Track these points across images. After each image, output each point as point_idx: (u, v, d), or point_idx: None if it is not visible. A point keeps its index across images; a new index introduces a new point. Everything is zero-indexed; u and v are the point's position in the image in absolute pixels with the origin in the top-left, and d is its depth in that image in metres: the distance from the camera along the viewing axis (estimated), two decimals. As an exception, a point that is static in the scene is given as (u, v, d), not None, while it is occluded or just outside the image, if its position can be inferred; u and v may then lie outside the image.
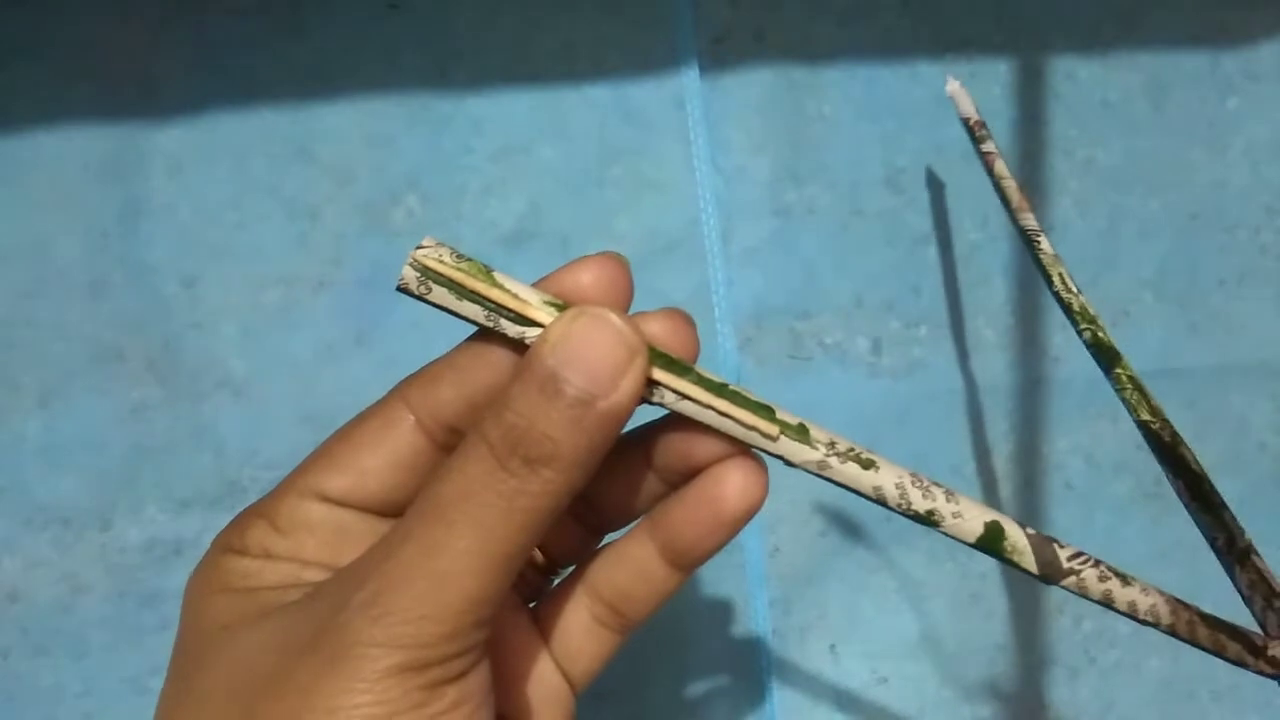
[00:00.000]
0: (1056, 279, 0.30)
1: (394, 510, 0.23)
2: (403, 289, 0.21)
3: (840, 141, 0.39)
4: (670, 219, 0.38)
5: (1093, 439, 0.40)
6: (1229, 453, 0.40)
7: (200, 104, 0.36)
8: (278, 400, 0.36)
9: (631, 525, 0.25)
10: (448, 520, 0.20)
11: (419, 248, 0.21)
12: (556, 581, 0.26)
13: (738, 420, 0.22)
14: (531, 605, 0.26)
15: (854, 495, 0.22)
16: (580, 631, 0.24)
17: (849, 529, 0.38)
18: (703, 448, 0.23)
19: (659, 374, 0.21)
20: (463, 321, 0.22)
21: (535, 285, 0.23)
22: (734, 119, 0.38)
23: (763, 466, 0.23)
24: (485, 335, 0.22)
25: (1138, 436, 0.40)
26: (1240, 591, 0.23)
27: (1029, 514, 0.39)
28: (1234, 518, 0.25)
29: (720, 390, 0.22)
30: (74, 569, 0.36)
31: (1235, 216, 0.40)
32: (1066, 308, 0.30)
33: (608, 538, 0.26)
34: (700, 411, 0.22)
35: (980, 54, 0.39)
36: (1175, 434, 0.26)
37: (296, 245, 0.37)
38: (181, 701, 0.22)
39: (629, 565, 0.24)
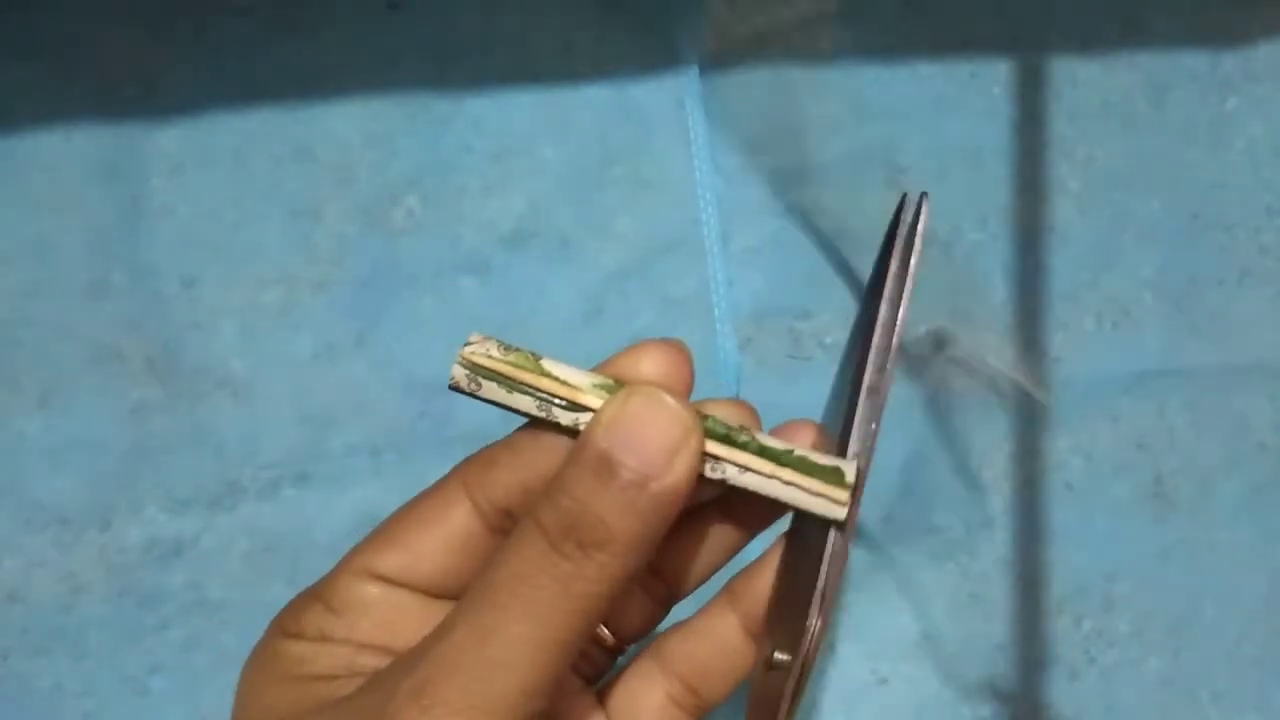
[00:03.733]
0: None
1: (449, 594, 0.23)
2: (454, 388, 0.22)
3: (840, 141, 0.39)
4: (670, 219, 0.38)
5: (1092, 439, 0.40)
6: (1229, 453, 0.40)
7: (200, 104, 0.36)
8: (277, 400, 0.36)
9: (699, 592, 0.24)
10: (500, 605, 0.19)
11: (467, 344, 0.22)
12: (623, 660, 0.25)
13: (804, 489, 0.21)
14: (597, 687, 0.25)
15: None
16: (652, 711, 0.24)
17: (849, 529, 0.38)
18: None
19: (718, 448, 0.21)
20: (517, 415, 0.22)
21: (595, 369, 0.22)
22: (734, 119, 0.38)
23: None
24: (540, 424, 0.22)
25: (1138, 437, 0.40)
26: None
27: (1029, 514, 0.39)
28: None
29: (784, 458, 0.21)
30: (74, 569, 0.36)
31: (1235, 216, 0.40)
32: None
33: (676, 610, 0.25)
34: (765, 483, 0.21)
35: (980, 54, 0.39)
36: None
37: (296, 245, 0.37)
38: None
39: (708, 639, 0.24)
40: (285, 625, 0.22)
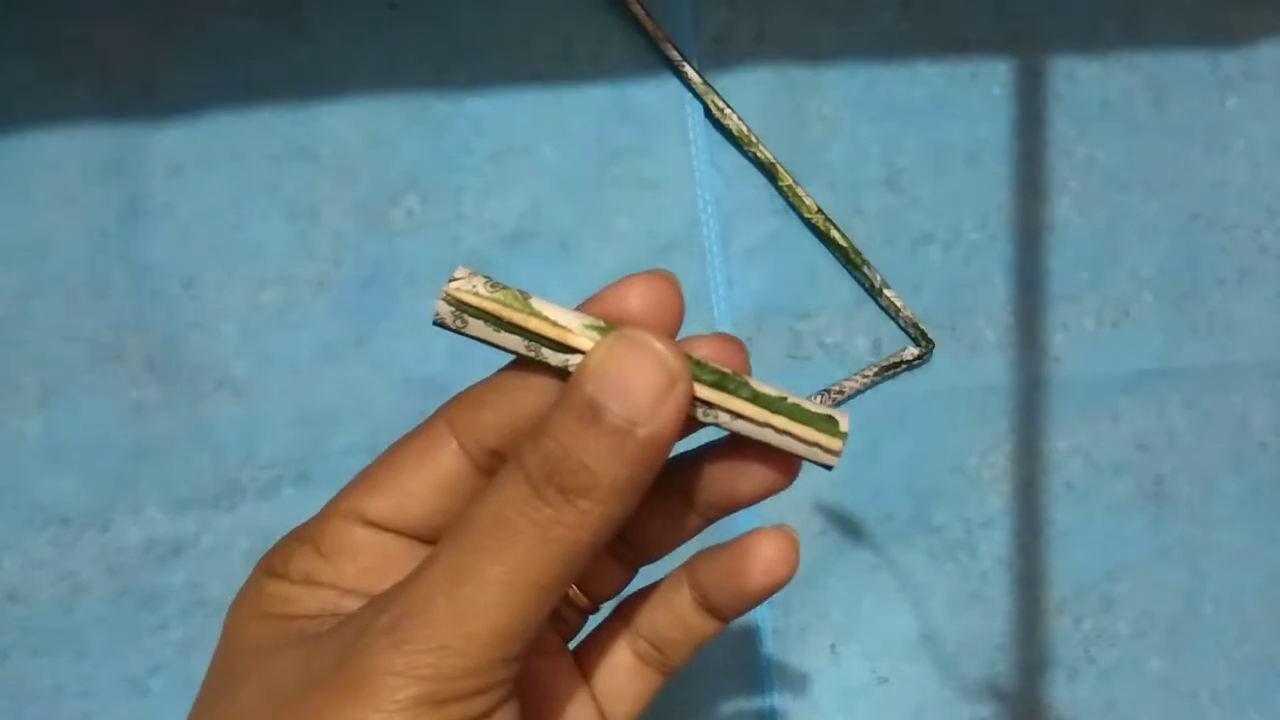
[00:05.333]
0: (711, 106, 0.36)
1: (437, 536, 0.22)
2: (439, 324, 0.21)
3: (840, 141, 0.39)
4: (670, 219, 0.38)
5: (1093, 439, 0.40)
6: (1229, 452, 0.40)
7: (200, 104, 0.36)
8: (277, 400, 0.36)
9: (668, 558, 0.24)
10: (478, 546, 0.19)
11: (452, 280, 0.21)
12: (595, 621, 0.25)
13: (797, 437, 0.21)
14: (571, 647, 0.25)
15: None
16: (624, 670, 0.24)
17: (848, 528, 0.38)
18: (746, 485, 0.22)
19: (710, 393, 0.20)
20: (504, 353, 0.21)
21: (580, 307, 0.22)
22: (734, 119, 0.38)
23: (793, 541, 0.23)
24: (528, 364, 0.21)
25: (1138, 437, 0.40)
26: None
27: (1029, 514, 0.39)
28: (873, 268, 0.36)
29: (778, 405, 0.21)
30: (73, 569, 0.36)
31: (1235, 216, 0.40)
32: (727, 132, 0.36)
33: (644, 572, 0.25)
34: (757, 430, 0.21)
35: (980, 54, 0.39)
36: (828, 221, 0.35)
37: (296, 245, 0.37)
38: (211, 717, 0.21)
39: (669, 611, 0.24)
40: (272, 565, 0.22)
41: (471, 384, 0.23)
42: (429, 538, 0.22)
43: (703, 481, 0.23)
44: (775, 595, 0.38)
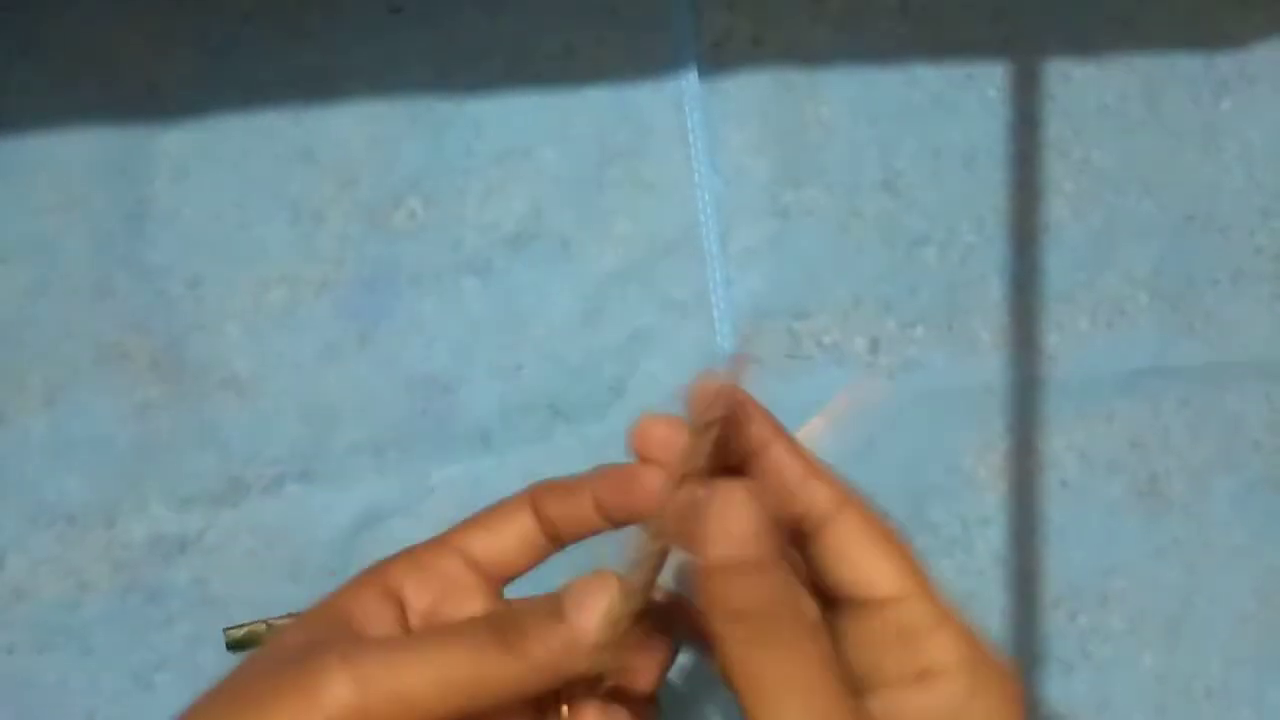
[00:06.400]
0: None
1: (504, 582, 0.29)
2: None
3: (838, 144, 0.39)
4: (670, 220, 0.38)
5: (1087, 438, 0.40)
6: (1223, 451, 0.41)
7: (204, 106, 0.37)
8: (281, 400, 0.37)
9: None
10: (435, 640, 0.24)
11: None
12: None
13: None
14: None
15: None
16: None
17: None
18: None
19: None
20: None
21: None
22: (733, 121, 0.39)
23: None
24: None
25: (1131, 435, 0.41)
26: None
27: (1024, 512, 0.40)
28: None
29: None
30: (79, 566, 0.36)
31: (1229, 217, 0.41)
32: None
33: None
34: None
35: (976, 57, 0.40)
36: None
37: (299, 246, 0.37)
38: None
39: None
40: (376, 577, 0.27)
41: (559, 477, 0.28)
42: (496, 582, 0.28)
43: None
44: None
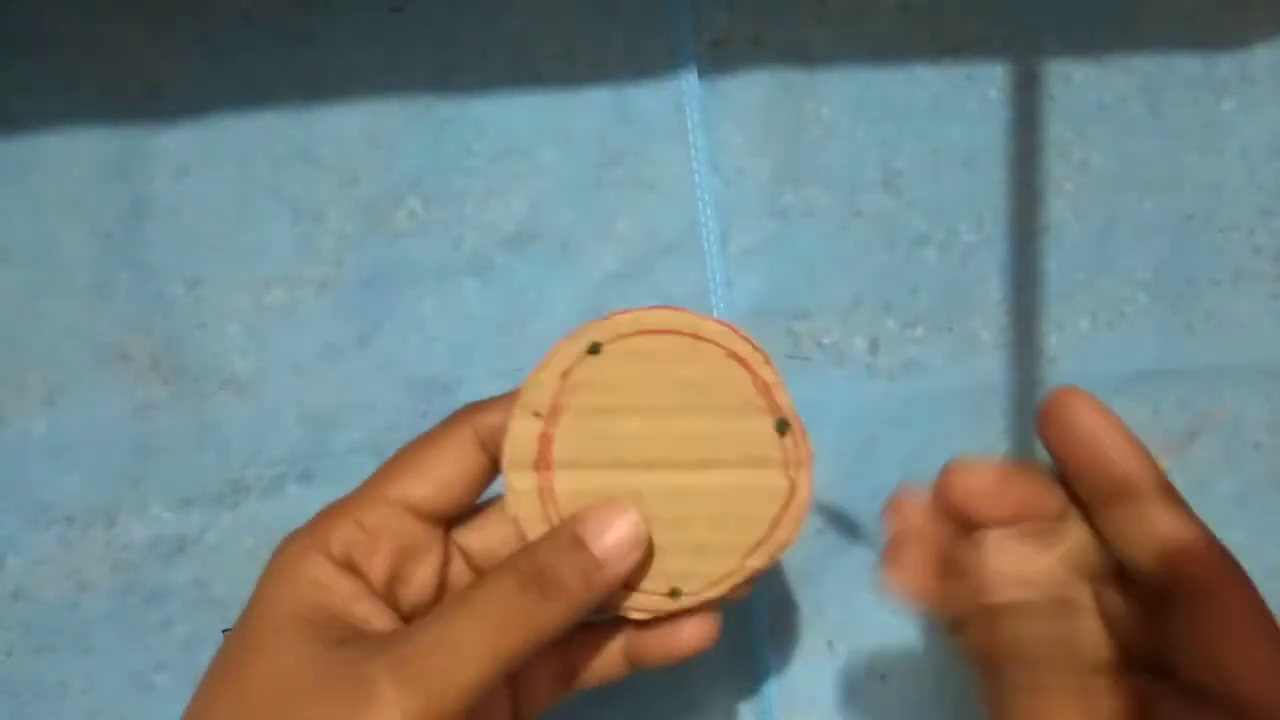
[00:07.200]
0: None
1: (455, 517, 0.29)
2: None
3: (838, 144, 0.39)
4: (669, 220, 0.38)
5: (1088, 438, 0.40)
6: (1224, 452, 0.41)
7: (204, 106, 0.37)
8: (281, 400, 0.37)
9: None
10: (471, 616, 0.24)
11: None
12: None
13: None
14: None
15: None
16: (541, 681, 0.29)
17: (846, 527, 0.39)
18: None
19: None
20: None
21: None
22: (733, 121, 0.39)
23: (714, 622, 0.29)
24: None
25: (1133, 436, 0.41)
26: None
27: (1025, 513, 0.40)
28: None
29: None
30: (78, 566, 0.36)
31: (1230, 218, 0.41)
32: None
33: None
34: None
35: (976, 57, 0.40)
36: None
37: (299, 246, 0.37)
38: (224, 688, 0.25)
39: (595, 648, 0.30)
40: (317, 540, 0.26)
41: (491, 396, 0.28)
42: (448, 520, 0.28)
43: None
44: (772, 591, 0.39)
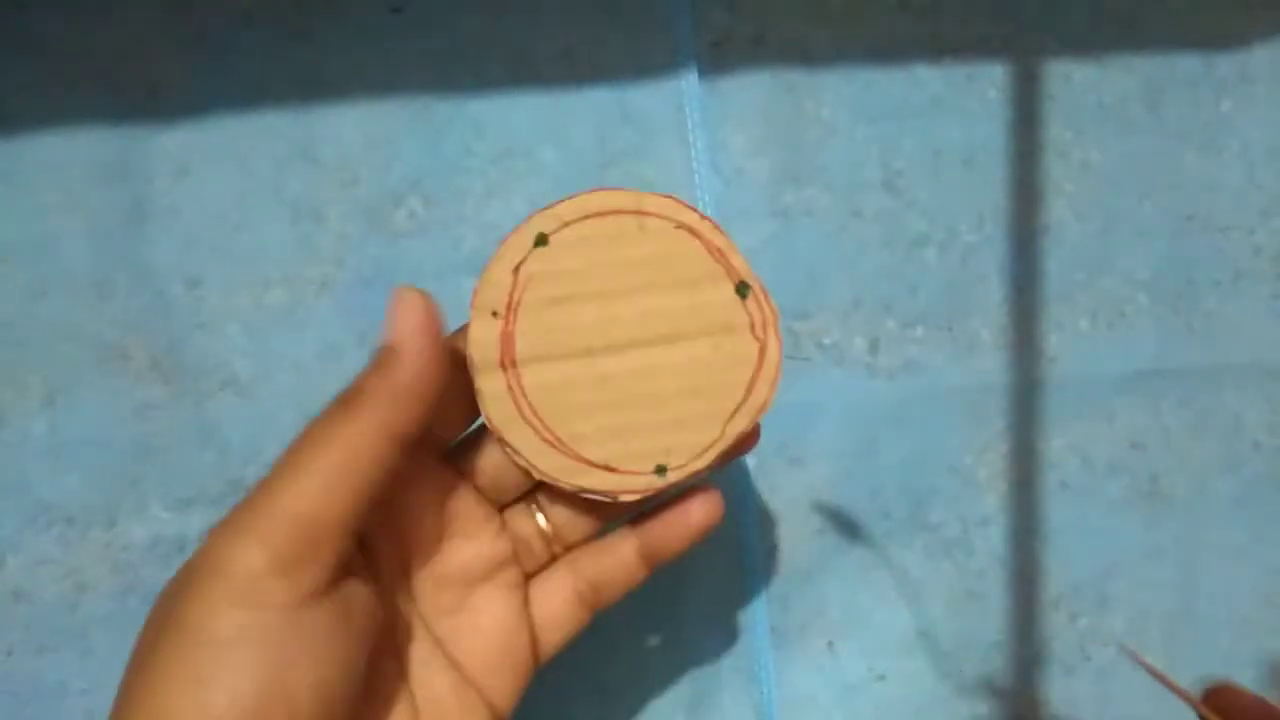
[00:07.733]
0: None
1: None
2: None
3: (838, 144, 0.39)
4: (670, 220, 0.38)
5: (1088, 438, 0.40)
6: (1224, 452, 0.41)
7: (204, 106, 0.37)
8: (281, 400, 0.37)
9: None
10: (304, 443, 0.25)
11: None
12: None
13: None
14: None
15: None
16: (563, 605, 0.30)
17: (846, 527, 0.39)
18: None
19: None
20: None
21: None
22: (733, 121, 0.39)
23: (719, 497, 0.29)
24: None
25: (1132, 436, 0.41)
26: None
27: (1025, 512, 0.40)
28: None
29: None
30: (78, 567, 0.36)
31: (1229, 218, 0.41)
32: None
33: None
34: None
35: (976, 57, 0.40)
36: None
37: (299, 246, 0.37)
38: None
39: (613, 558, 0.30)
40: (222, 563, 0.25)
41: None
42: (354, 535, 0.26)
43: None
44: (772, 592, 0.39)
